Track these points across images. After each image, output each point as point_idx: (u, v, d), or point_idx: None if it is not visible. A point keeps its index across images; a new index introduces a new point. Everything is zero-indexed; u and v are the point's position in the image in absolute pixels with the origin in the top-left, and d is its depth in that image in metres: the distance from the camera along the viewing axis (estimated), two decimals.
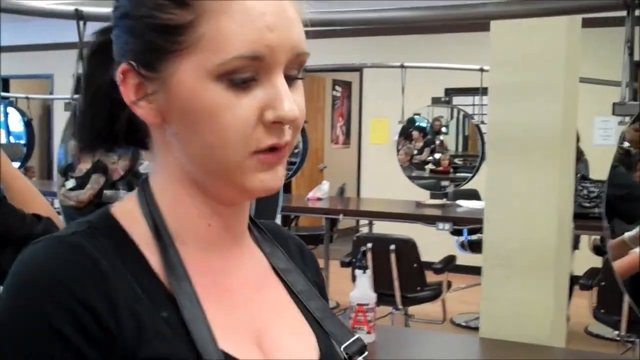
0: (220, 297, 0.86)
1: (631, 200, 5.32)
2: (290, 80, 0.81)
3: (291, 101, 0.79)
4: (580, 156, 5.90)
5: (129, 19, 0.81)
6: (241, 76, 0.77)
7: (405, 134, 7.57)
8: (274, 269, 0.96)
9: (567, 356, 2.61)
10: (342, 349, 0.93)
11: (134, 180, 6.62)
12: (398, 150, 7.46)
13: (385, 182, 7.83)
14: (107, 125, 0.87)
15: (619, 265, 3.40)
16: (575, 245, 5.77)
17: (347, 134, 9.13)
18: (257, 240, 0.96)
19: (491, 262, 2.71)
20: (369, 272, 2.51)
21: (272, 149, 0.80)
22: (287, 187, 7.97)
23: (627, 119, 5.26)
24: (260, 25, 0.77)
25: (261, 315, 0.89)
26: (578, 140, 5.96)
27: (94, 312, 0.74)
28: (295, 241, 1.05)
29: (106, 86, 0.85)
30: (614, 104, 4.38)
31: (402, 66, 6.87)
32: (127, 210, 0.85)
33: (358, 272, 2.51)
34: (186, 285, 0.81)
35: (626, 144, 5.97)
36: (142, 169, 6.26)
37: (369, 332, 2.46)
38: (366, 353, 0.95)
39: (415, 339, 3.08)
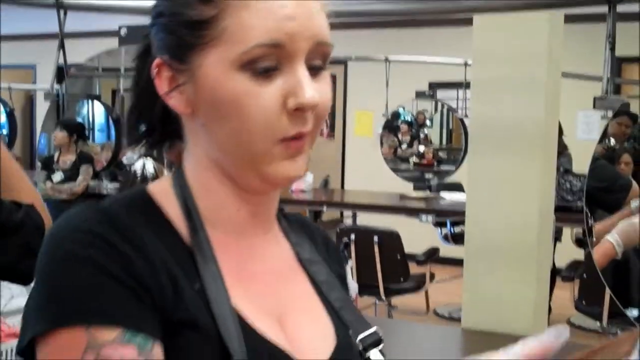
0: (246, 282, 0.88)
1: (612, 192, 5.38)
2: (314, 70, 0.84)
3: (312, 88, 0.82)
4: (563, 150, 5.95)
5: (162, 17, 0.86)
6: (263, 65, 0.80)
7: (390, 127, 7.60)
8: (299, 259, 0.98)
9: None
10: (358, 340, 0.95)
11: (117, 171, 6.60)
12: (382, 143, 7.49)
13: (369, 174, 7.85)
14: (151, 120, 0.92)
15: (596, 255, 3.45)
16: (558, 238, 5.82)
17: (332, 127, 9.15)
18: (284, 231, 0.98)
19: (473, 254, 2.73)
20: (351, 262, 2.52)
21: (295, 137, 0.83)
22: None
23: (609, 112, 5.31)
24: (280, 15, 0.80)
25: (283, 302, 0.91)
26: (561, 134, 6.01)
27: (131, 263, 0.77)
28: (322, 233, 1.07)
29: (151, 84, 0.88)
30: (596, 98, 4.42)
31: (386, 60, 6.89)
32: (162, 189, 0.89)
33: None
34: (212, 266, 0.84)
35: (608, 138, 6.04)
36: (125, 159, 6.25)
37: None
38: (382, 345, 0.96)
39: (397, 329, 3.10)
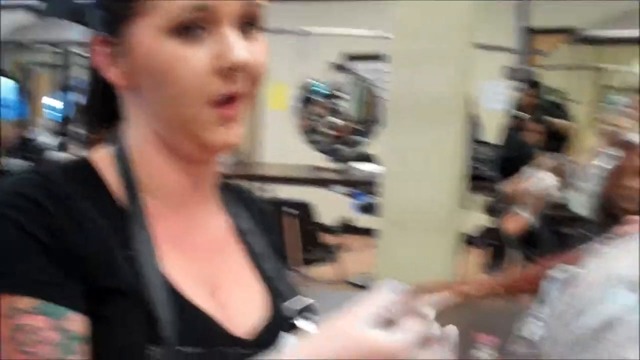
0: (181, 251, 0.89)
1: (521, 160, 5.53)
2: (246, 31, 0.85)
3: (241, 47, 0.83)
4: (475, 120, 6.07)
5: None
6: (191, 29, 0.82)
7: (305, 99, 7.60)
8: (236, 229, 0.98)
9: (459, 310, 2.71)
10: (290, 310, 0.96)
11: (25, 147, 6.43)
12: (298, 116, 7.49)
13: (285, 147, 7.85)
14: (101, 102, 0.94)
15: (508, 226, 3.54)
16: (469, 206, 5.94)
17: None
18: (223, 201, 0.99)
19: (386, 223, 2.78)
20: None
21: (229, 101, 0.83)
22: None
23: (519, 83, 5.44)
24: None
25: (218, 272, 0.92)
26: (473, 105, 6.12)
27: (61, 229, 0.79)
28: (259, 204, 1.08)
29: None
30: (506, 69, 4.52)
31: (302, 32, 6.87)
32: (103, 158, 0.89)
33: None
34: (145, 233, 0.85)
35: (517, 108, 6.19)
36: (32, 135, 6.09)
37: None
38: (313, 312, 0.98)
39: (311, 297, 3.13)
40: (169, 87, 0.83)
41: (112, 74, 0.87)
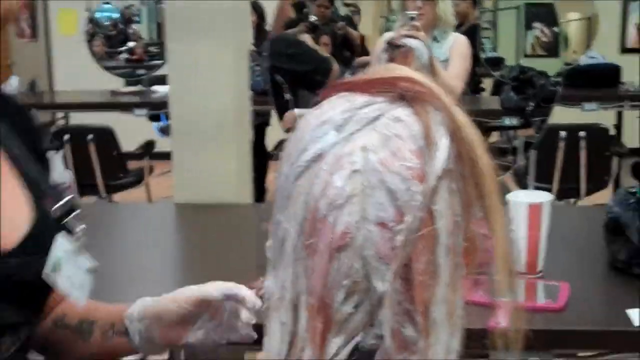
0: None
1: (316, 73, 5.72)
2: None
3: None
4: (264, 35, 6.17)
5: None
6: None
7: (96, 23, 7.39)
8: None
9: (250, 211, 2.89)
10: (53, 209, 1.00)
11: None
12: (89, 41, 7.27)
13: (78, 73, 7.60)
14: None
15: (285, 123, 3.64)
16: (267, 122, 6.10)
17: (34, 28, 8.68)
18: None
19: (179, 135, 2.87)
20: (62, 152, 2.54)
21: None
22: None
23: None
24: None
25: None
26: (260, 17, 6.22)
27: None
28: (17, 106, 1.10)
29: None
30: None
31: None
32: None
33: (50, 153, 2.51)
34: None
35: (312, 18, 6.33)
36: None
37: None
38: (77, 212, 1.03)
39: (114, 212, 3.21)
40: None
41: None
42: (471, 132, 0.69)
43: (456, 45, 3.58)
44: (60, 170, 2.51)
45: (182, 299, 1.04)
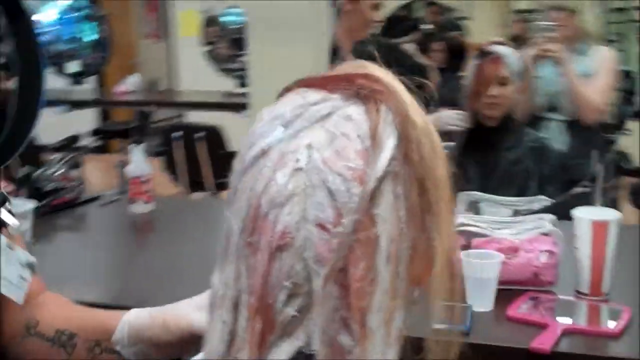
0: None
1: (410, 80, 5.65)
2: None
3: None
4: None
5: None
6: None
7: (214, 25, 7.59)
8: None
9: None
10: None
11: None
12: (207, 43, 7.48)
13: (198, 74, 7.85)
14: None
15: None
16: None
17: (158, 28, 9.03)
18: None
19: None
20: (144, 145, 2.59)
21: None
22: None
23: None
24: None
25: None
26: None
27: None
28: None
29: None
30: None
31: None
32: None
33: (131, 146, 2.58)
34: None
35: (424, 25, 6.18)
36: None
37: (147, 202, 2.54)
38: (7, 203, 1.01)
39: (192, 205, 3.27)
40: None
41: None
42: (427, 135, 0.66)
43: (602, 60, 3.44)
44: (139, 163, 2.54)
45: (175, 328, 1.00)
